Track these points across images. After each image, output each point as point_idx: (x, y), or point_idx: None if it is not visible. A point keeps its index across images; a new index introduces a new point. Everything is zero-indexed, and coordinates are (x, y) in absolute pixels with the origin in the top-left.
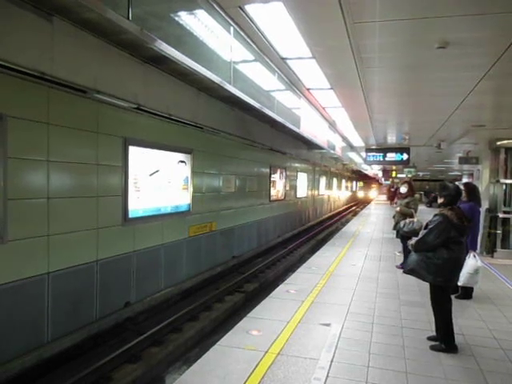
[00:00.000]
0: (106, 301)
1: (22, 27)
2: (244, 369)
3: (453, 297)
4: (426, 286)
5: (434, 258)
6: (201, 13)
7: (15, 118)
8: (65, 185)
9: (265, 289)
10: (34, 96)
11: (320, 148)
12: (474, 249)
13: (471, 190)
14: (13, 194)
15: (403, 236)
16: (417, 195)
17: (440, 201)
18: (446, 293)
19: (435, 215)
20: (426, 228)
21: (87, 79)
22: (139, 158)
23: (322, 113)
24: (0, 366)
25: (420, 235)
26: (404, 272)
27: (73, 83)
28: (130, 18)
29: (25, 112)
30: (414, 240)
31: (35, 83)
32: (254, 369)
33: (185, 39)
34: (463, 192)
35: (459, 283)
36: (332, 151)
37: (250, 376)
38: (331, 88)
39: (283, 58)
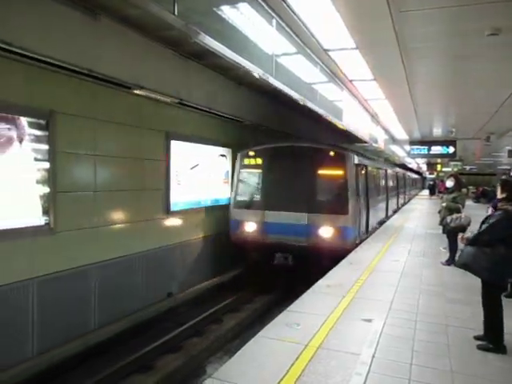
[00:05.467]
0: (149, 291)
1: (69, 24)
2: (284, 361)
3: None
4: (472, 283)
5: (491, 254)
6: (243, 6)
7: (64, 113)
8: (110, 178)
9: None
10: (81, 92)
11: (362, 142)
12: None
13: None
14: (62, 187)
15: (450, 231)
16: (464, 190)
17: (502, 196)
18: (499, 291)
19: (497, 210)
20: (484, 222)
21: (131, 75)
22: (180, 151)
23: (364, 105)
24: (47, 352)
25: (479, 229)
26: (456, 266)
27: (118, 79)
28: (176, 14)
29: (72, 108)
30: (469, 233)
31: (82, 80)
32: (295, 361)
33: (227, 33)
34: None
35: None
36: (375, 144)
37: (290, 368)
38: (374, 79)
39: (326, 50)
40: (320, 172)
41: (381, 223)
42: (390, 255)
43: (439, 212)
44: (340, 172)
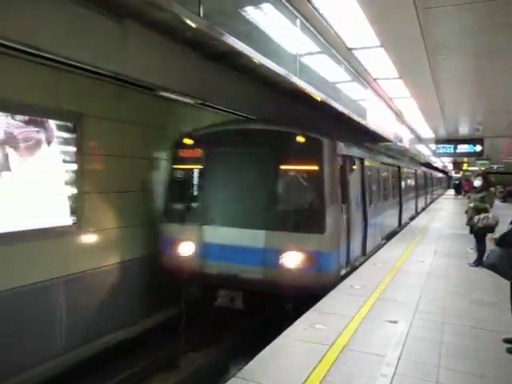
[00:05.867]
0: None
1: (97, 30)
2: (309, 361)
3: None
4: (501, 284)
5: None
6: (267, 6)
7: (91, 116)
8: (136, 179)
9: None
10: (107, 95)
11: (387, 140)
12: None
13: None
14: (89, 188)
15: (477, 232)
16: (492, 189)
17: None
18: None
19: None
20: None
21: (156, 78)
22: None
23: (389, 103)
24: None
25: (507, 229)
26: (484, 267)
27: (142, 81)
28: (202, 15)
29: (99, 110)
30: (498, 234)
31: (109, 83)
32: (319, 361)
33: (251, 33)
34: None
35: None
36: (399, 143)
37: (315, 368)
38: (399, 77)
39: (350, 48)
40: (284, 167)
41: (389, 237)
42: (415, 256)
43: (466, 212)
44: (313, 167)
